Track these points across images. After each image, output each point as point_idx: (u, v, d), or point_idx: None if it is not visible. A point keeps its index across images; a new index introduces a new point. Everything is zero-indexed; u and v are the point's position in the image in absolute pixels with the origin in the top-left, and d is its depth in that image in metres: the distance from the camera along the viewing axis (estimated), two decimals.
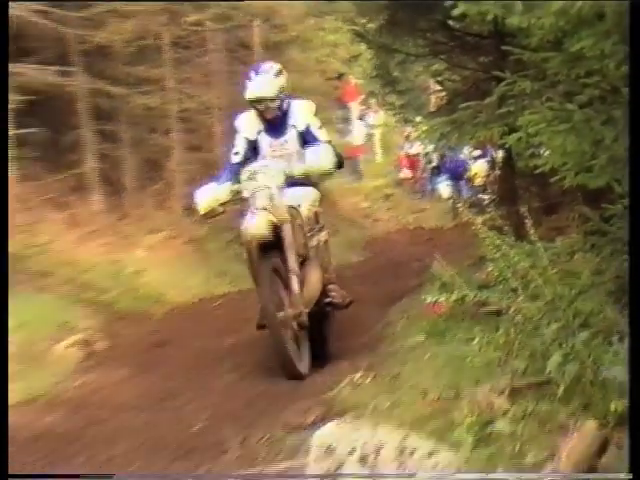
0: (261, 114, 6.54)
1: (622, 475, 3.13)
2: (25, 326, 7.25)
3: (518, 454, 3.49)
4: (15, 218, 6.25)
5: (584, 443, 3.50)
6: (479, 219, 5.36)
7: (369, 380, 4.70)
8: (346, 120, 20.78)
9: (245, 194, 6.20)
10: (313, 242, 6.39)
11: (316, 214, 6.58)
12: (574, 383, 3.73)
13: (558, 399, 3.73)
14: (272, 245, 6.03)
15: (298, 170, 6.34)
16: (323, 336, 6.64)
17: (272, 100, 6.54)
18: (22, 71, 8.93)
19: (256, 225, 5.95)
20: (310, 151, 6.35)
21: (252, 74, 6.64)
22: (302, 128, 6.53)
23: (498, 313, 4.64)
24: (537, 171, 4.84)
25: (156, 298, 9.52)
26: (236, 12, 12.99)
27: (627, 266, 3.39)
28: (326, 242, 6.69)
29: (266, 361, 6.39)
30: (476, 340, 4.58)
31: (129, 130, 10.93)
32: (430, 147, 18.41)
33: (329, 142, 6.58)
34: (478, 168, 17.16)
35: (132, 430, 5.44)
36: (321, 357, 6.42)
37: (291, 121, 6.59)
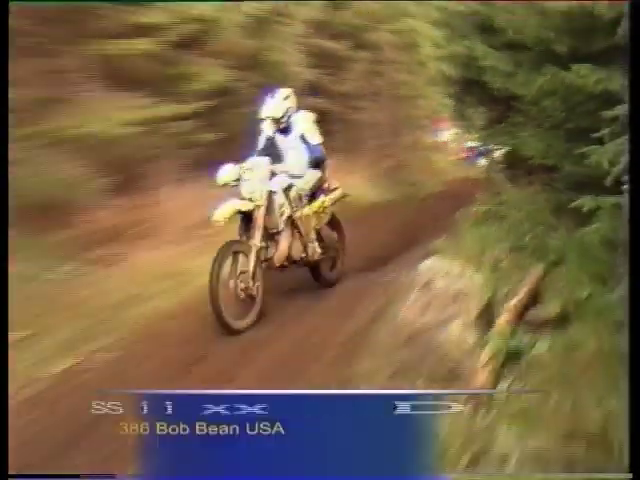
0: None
1: (622, 475, 2.00)
2: None
3: (509, 283, 3.50)
4: None
5: (536, 276, 3.55)
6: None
7: (446, 243, 4.64)
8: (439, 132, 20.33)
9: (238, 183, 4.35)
10: (297, 215, 4.55)
11: (300, 196, 4.59)
12: (532, 249, 3.78)
13: (524, 256, 3.78)
14: (249, 220, 4.30)
15: (280, 168, 4.49)
16: (320, 274, 4.94)
17: (280, 118, 4.62)
18: None
19: (217, 212, 4.17)
20: (289, 155, 4.65)
21: (268, 97, 4.64)
22: (299, 134, 4.65)
23: (503, 218, 4.61)
24: None
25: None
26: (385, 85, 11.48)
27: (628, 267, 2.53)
28: (308, 216, 4.64)
29: None
30: (493, 228, 4.54)
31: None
32: (477, 144, 18.01)
33: (319, 144, 4.69)
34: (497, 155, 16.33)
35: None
36: (325, 285, 4.97)
37: (294, 127, 4.66)
